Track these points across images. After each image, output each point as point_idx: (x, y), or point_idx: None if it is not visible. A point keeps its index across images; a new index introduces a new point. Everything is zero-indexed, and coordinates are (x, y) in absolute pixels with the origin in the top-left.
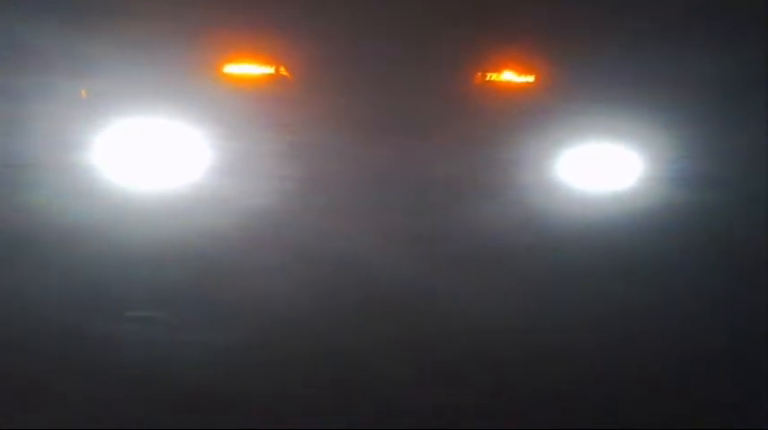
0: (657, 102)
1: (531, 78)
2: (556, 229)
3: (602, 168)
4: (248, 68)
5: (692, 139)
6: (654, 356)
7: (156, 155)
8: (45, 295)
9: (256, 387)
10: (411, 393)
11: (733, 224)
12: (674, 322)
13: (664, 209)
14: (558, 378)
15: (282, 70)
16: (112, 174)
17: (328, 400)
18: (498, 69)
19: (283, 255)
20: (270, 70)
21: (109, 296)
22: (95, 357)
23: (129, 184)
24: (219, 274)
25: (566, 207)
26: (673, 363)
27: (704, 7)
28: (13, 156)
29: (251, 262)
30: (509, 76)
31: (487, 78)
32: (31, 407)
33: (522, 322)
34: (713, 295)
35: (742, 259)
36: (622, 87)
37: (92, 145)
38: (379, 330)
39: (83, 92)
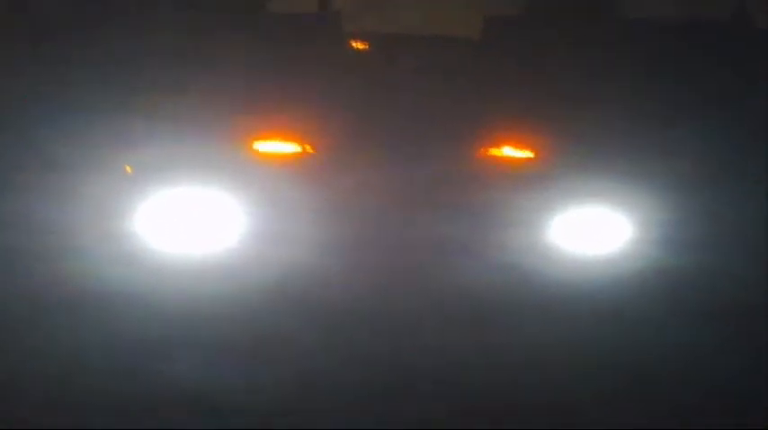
0: (648, 168)
1: (528, 152)
2: (549, 290)
3: (594, 232)
4: (278, 146)
5: (681, 204)
6: (642, 420)
7: (194, 223)
8: (89, 351)
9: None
10: None
11: (723, 287)
12: (663, 383)
13: (653, 271)
14: None
15: (308, 147)
16: (154, 240)
17: None
18: (499, 145)
19: (312, 314)
20: (297, 148)
21: (150, 352)
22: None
23: (169, 250)
24: (252, 330)
25: (559, 269)
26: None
27: (689, 80)
28: (61, 225)
29: (282, 319)
30: (508, 151)
31: (489, 152)
32: None
33: (513, 379)
34: (702, 357)
35: (732, 321)
36: (614, 156)
37: (135, 214)
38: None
39: (127, 167)
